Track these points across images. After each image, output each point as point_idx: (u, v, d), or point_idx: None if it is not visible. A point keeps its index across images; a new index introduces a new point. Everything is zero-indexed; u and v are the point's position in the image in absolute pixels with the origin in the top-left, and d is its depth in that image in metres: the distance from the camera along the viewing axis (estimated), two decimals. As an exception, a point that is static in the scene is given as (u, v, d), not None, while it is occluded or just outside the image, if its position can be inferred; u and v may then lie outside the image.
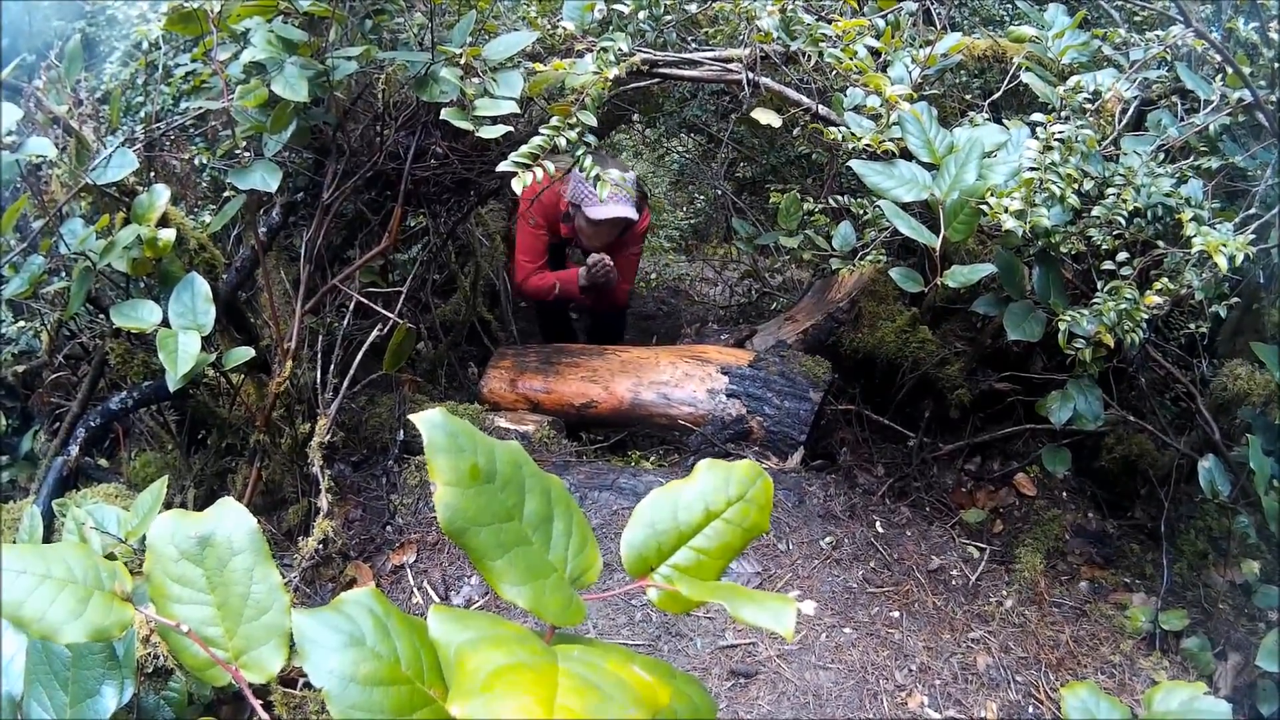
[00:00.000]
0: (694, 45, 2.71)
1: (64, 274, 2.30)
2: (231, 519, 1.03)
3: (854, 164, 2.13)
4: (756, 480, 1.00)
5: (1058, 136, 1.96)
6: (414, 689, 0.78)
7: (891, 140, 2.13)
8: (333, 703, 0.75)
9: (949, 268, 2.07)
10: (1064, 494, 2.81)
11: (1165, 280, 2.03)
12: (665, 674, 0.84)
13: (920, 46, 2.39)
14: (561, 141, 2.10)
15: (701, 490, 0.99)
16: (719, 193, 4.82)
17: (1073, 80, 2.10)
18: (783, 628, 0.79)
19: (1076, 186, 1.99)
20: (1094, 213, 2.07)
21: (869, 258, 2.54)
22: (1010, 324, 2.22)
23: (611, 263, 3.62)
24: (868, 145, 2.12)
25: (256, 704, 0.87)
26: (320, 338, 2.57)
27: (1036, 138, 1.99)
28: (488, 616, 0.77)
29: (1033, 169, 1.95)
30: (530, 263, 3.68)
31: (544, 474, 0.96)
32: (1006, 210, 1.91)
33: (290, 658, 0.98)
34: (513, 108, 2.14)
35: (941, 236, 2.02)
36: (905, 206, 2.09)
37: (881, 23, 2.27)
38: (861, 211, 2.59)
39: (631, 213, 3.34)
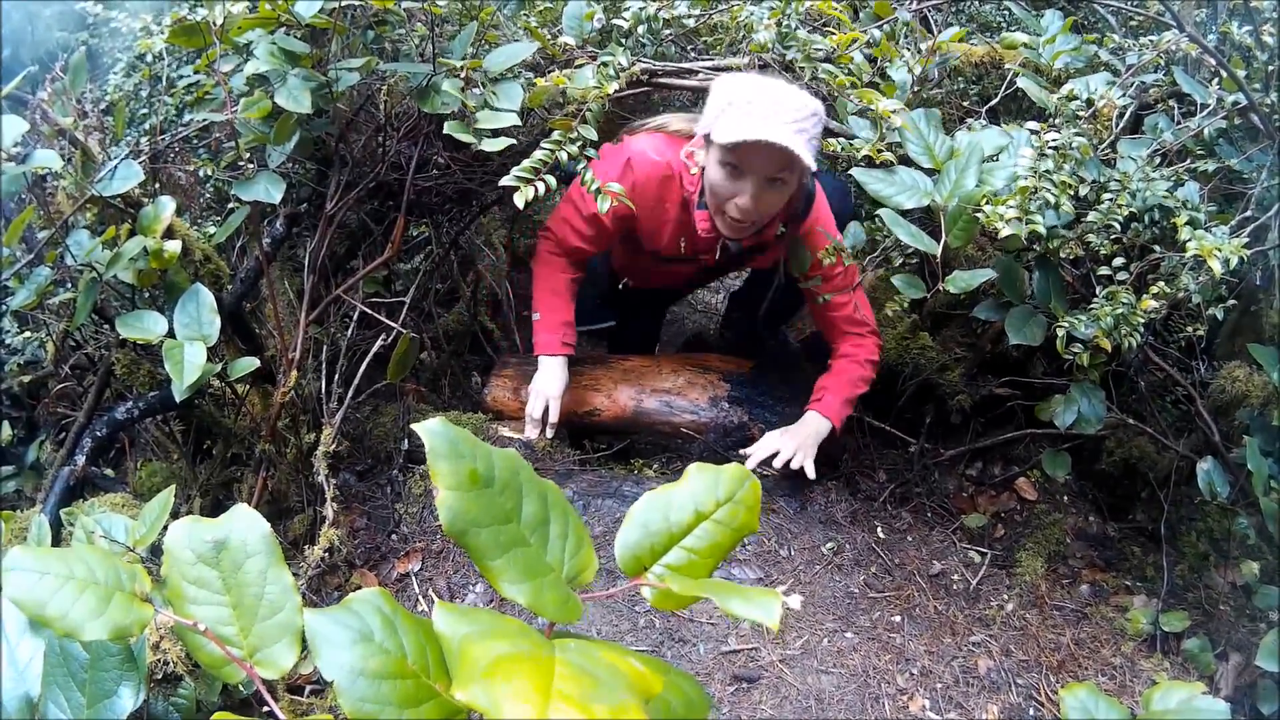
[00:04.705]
0: (693, 54, 2.72)
1: (70, 285, 2.32)
2: (246, 523, 1.07)
3: (855, 172, 2.14)
4: (744, 482, 1.03)
5: (1052, 144, 1.98)
6: (420, 683, 0.81)
7: (889, 149, 2.15)
8: (343, 695, 0.78)
9: (950, 274, 2.08)
10: (1065, 498, 2.82)
11: (1162, 284, 2.05)
12: (660, 669, 0.86)
13: (916, 53, 2.41)
14: (563, 156, 2.12)
15: (691, 493, 1.03)
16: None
17: (1066, 87, 2.12)
18: (769, 619, 0.82)
19: (1072, 193, 2.00)
20: (1090, 217, 2.08)
21: (884, 265, 2.53)
22: (1012, 329, 2.23)
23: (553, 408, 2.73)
24: (867, 155, 2.14)
25: (270, 699, 0.88)
26: (324, 348, 2.59)
27: (1031, 145, 2.01)
28: (490, 612, 0.80)
29: (1029, 175, 1.97)
30: (573, 238, 2.71)
31: (541, 480, 0.99)
32: (1002, 217, 1.92)
33: (301, 658, 1.01)
34: (513, 119, 2.16)
35: (942, 243, 2.03)
36: (906, 213, 2.10)
37: (877, 33, 2.29)
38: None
39: (800, 146, 2.15)
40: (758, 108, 2.19)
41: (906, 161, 2.17)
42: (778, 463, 2.60)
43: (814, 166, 2.23)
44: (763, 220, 2.47)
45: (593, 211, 2.52)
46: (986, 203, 1.98)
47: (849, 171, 2.17)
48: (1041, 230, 1.95)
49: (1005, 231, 1.91)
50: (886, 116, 2.12)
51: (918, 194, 2.09)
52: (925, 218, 2.21)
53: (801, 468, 2.60)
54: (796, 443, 2.62)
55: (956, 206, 2.04)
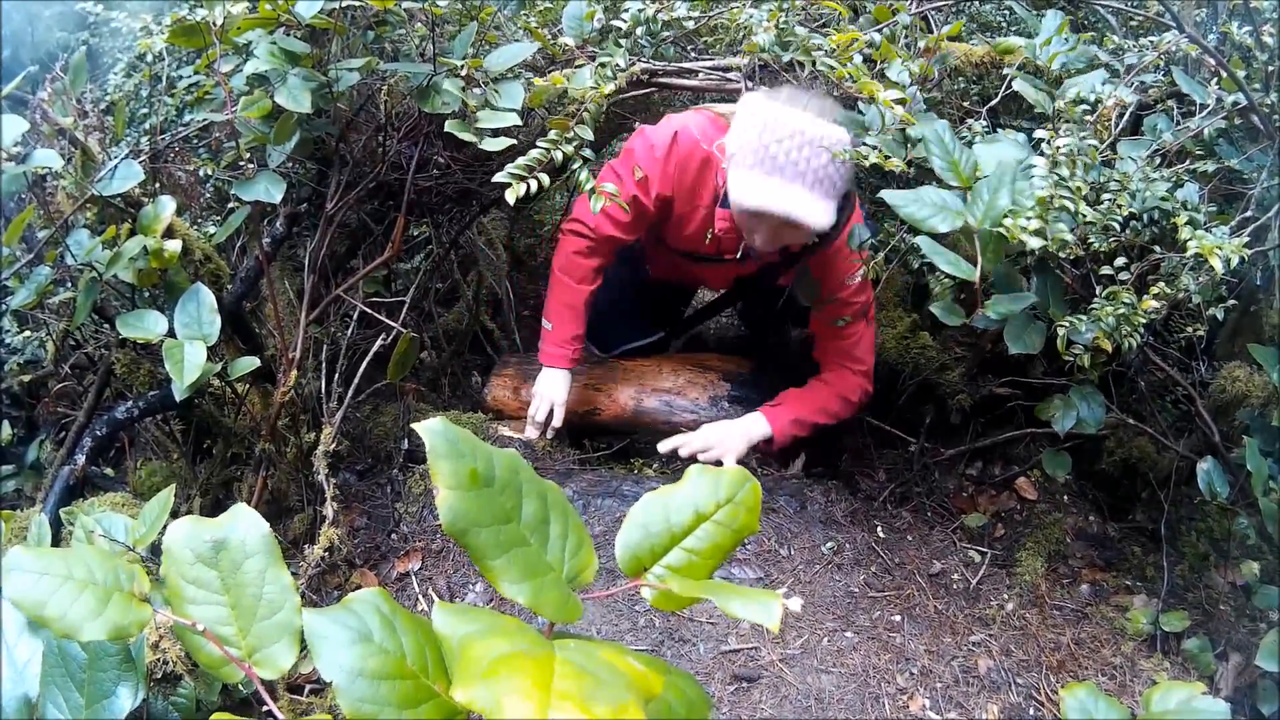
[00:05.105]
0: (693, 54, 2.72)
1: (70, 285, 2.32)
2: (245, 523, 1.08)
3: (884, 194, 2.04)
4: (744, 484, 1.04)
5: (1063, 151, 1.95)
6: (419, 683, 0.81)
7: (901, 159, 2.09)
8: (342, 695, 0.78)
9: (987, 295, 2.03)
10: (1065, 497, 2.82)
11: (1162, 284, 2.04)
12: (660, 669, 0.86)
13: (915, 56, 2.40)
14: (558, 155, 2.11)
15: (692, 494, 1.03)
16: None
17: (1072, 92, 2.10)
18: (769, 620, 0.82)
19: (1083, 195, 1.98)
20: (1089, 218, 2.07)
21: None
22: (1010, 337, 2.18)
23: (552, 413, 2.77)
24: (876, 164, 2.10)
25: (269, 699, 0.89)
26: (324, 347, 2.59)
27: (1042, 154, 1.98)
28: (489, 612, 0.80)
29: (1044, 184, 1.93)
30: (608, 226, 2.62)
31: (541, 480, 0.99)
32: (1025, 229, 1.87)
33: (301, 658, 1.01)
34: (514, 119, 2.16)
35: (979, 267, 1.96)
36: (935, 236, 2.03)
37: (877, 35, 2.28)
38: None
39: (811, 209, 2.20)
40: (773, 162, 2.18)
41: (926, 174, 2.11)
42: (687, 453, 2.66)
43: (831, 220, 2.22)
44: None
45: (633, 193, 2.51)
46: (1006, 217, 1.93)
47: (878, 195, 2.09)
48: (1067, 238, 1.91)
49: (1032, 243, 1.86)
50: (889, 106, 2.07)
51: (950, 216, 1.97)
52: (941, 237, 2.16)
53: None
54: (722, 438, 2.67)
55: (988, 228, 1.96)
